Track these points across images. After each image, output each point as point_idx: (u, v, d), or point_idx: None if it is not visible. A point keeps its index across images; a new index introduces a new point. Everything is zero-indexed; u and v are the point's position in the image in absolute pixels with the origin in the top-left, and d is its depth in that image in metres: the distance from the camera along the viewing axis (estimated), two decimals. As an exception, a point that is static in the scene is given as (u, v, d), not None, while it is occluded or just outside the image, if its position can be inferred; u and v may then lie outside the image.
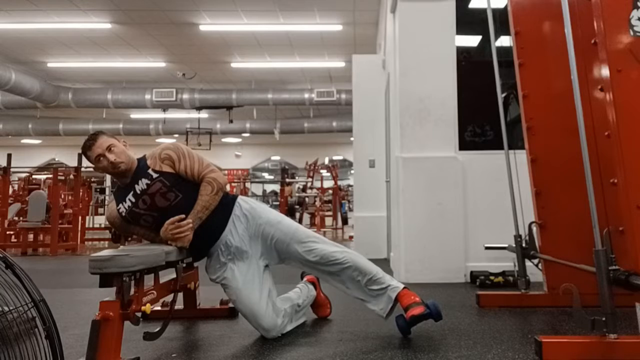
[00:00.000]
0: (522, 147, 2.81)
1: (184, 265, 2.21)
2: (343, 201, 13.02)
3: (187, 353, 1.97)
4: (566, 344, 1.85)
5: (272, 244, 2.20)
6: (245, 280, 2.12)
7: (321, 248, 2.17)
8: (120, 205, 2.11)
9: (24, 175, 11.31)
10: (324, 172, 14.59)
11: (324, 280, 2.26)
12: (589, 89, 2.21)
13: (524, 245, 2.75)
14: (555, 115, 2.61)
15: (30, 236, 7.54)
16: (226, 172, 16.72)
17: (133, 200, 2.08)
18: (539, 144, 2.69)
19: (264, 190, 18.77)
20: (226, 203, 2.18)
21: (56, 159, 17.16)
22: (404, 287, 2.16)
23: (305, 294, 2.40)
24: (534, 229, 2.69)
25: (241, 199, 2.26)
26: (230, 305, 2.60)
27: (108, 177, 14.97)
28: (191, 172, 2.12)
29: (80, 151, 2.15)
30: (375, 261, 4.51)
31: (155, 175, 2.08)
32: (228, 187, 2.28)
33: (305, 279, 2.56)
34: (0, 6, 6.96)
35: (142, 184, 2.07)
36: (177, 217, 2.03)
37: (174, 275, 2.08)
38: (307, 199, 13.19)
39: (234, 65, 9.82)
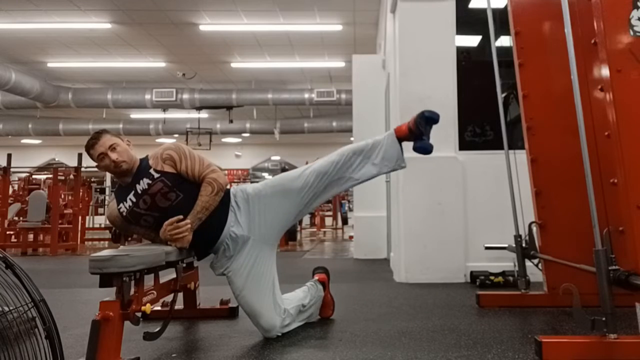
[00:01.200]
0: (522, 147, 2.81)
1: (184, 265, 2.20)
2: (343, 201, 13.03)
3: (187, 353, 1.97)
4: (566, 344, 1.85)
5: (274, 206, 2.18)
6: (249, 276, 2.12)
7: (314, 167, 2.21)
8: (121, 204, 2.11)
9: (24, 175, 11.31)
10: (324, 172, 14.55)
11: (340, 187, 2.25)
12: (589, 89, 2.21)
13: (524, 245, 2.75)
14: (555, 115, 2.61)
15: (30, 236, 7.54)
16: (226, 172, 16.72)
17: (134, 199, 2.08)
18: (539, 144, 2.69)
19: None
20: (224, 199, 2.17)
21: (56, 159, 17.16)
22: (394, 129, 2.22)
23: (313, 294, 2.38)
24: (534, 229, 2.69)
25: (233, 189, 2.26)
26: (231, 305, 2.60)
27: (108, 177, 14.99)
28: (192, 173, 2.12)
29: (80, 151, 2.16)
30: (376, 261, 4.53)
31: (156, 175, 2.08)
32: (228, 187, 2.28)
33: (315, 277, 2.54)
34: (0, 6, 6.96)
35: (144, 183, 2.07)
36: (175, 218, 2.03)
37: (174, 275, 2.08)
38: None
39: (234, 65, 9.82)
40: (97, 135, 2.08)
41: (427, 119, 2.14)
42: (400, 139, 2.20)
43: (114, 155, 2.05)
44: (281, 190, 2.20)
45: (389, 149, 2.19)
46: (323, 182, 2.19)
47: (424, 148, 2.15)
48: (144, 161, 2.15)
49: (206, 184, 2.10)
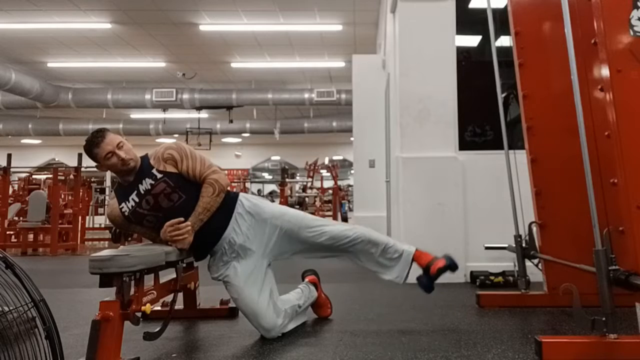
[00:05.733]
0: (522, 147, 2.81)
1: (184, 265, 2.20)
2: (343, 201, 13.03)
3: (187, 353, 1.97)
4: (566, 344, 1.85)
5: (280, 237, 2.21)
6: (248, 279, 2.12)
7: (331, 229, 2.22)
8: (123, 204, 2.09)
9: (24, 175, 11.32)
10: (324, 172, 14.59)
11: (337, 257, 2.30)
12: (589, 89, 2.21)
13: (524, 245, 2.75)
14: (555, 115, 2.61)
15: (30, 236, 7.53)
16: (226, 172, 16.68)
17: (137, 200, 2.07)
18: (539, 144, 2.69)
19: (264, 191, 18.77)
20: (228, 202, 2.17)
21: (56, 159, 17.16)
22: (416, 249, 2.26)
23: (307, 295, 2.40)
24: (534, 229, 2.69)
25: (243, 197, 2.26)
26: (230, 305, 2.60)
27: (108, 177, 14.97)
28: (193, 173, 2.11)
29: (80, 151, 2.14)
30: (375, 261, 4.32)
31: (159, 176, 2.07)
32: (236, 192, 2.30)
33: (306, 279, 2.56)
34: (0, 6, 6.96)
35: (146, 183, 2.06)
36: (176, 220, 2.02)
37: (174, 275, 2.08)
38: (307, 199, 13.19)
39: (234, 65, 9.82)
40: (100, 134, 2.03)
41: (450, 270, 2.18)
42: (415, 262, 2.24)
43: (122, 154, 2.03)
44: (294, 230, 2.22)
45: (400, 264, 2.25)
46: (329, 246, 2.23)
47: (429, 288, 2.22)
48: (145, 160, 2.13)
49: (207, 185, 2.10)
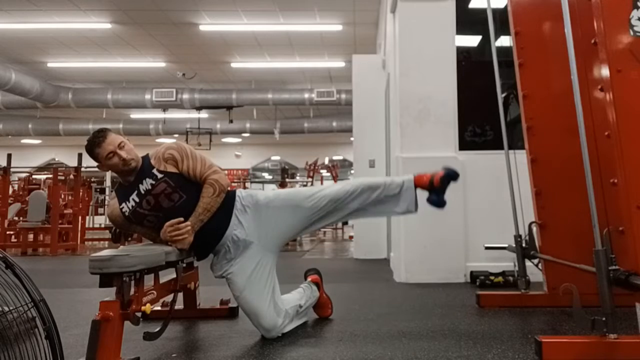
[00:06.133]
0: (522, 147, 2.81)
1: (184, 265, 2.20)
2: (343, 201, 12.98)
3: (187, 353, 1.97)
4: (566, 344, 1.85)
5: (281, 218, 2.20)
6: (250, 277, 2.12)
7: (329, 191, 2.22)
8: (124, 204, 2.09)
9: (24, 175, 11.33)
10: (324, 172, 14.59)
11: (349, 215, 2.28)
12: (589, 89, 2.21)
13: (524, 245, 2.75)
14: (555, 115, 2.61)
15: (30, 236, 7.54)
16: (226, 172, 16.66)
17: (137, 200, 2.06)
18: (539, 144, 2.69)
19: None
20: (227, 201, 2.17)
21: (56, 159, 17.16)
22: (414, 175, 2.26)
23: (308, 295, 2.39)
24: (534, 229, 2.69)
25: (239, 192, 2.25)
26: (231, 305, 2.60)
27: (108, 177, 14.98)
28: (193, 173, 2.11)
29: (80, 151, 2.15)
30: (376, 261, 4.53)
31: (160, 176, 2.06)
32: (234, 189, 2.29)
33: (308, 278, 2.55)
34: (0, 6, 6.97)
35: (147, 184, 2.06)
36: (176, 220, 2.02)
37: (174, 275, 2.08)
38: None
39: (234, 65, 9.82)
40: (102, 134, 2.03)
41: (452, 178, 2.19)
42: (418, 187, 2.24)
43: (123, 154, 2.02)
44: (292, 205, 2.21)
45: (405, 193, 2.23)
46: (333, 207, 2.21)
47: (440, 203, 2.21)
48: (146, 160, 2.13)
49: (208, 185, 2.09)
